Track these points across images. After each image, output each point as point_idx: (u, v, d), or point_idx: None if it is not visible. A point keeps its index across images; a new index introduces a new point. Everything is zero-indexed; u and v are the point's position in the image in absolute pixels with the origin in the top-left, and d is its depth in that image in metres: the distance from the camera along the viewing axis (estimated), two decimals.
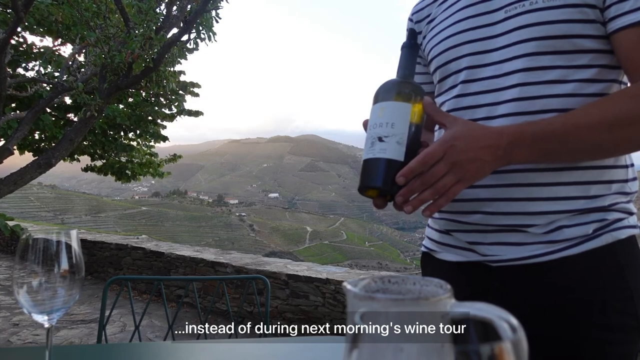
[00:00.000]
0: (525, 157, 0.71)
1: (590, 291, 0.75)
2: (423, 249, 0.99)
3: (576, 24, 0.74)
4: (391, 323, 0.33)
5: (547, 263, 0.77)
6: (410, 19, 1.01)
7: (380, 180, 0.70)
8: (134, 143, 8.01)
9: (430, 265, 0.94)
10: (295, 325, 4.07)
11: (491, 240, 0.81)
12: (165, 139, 8.14)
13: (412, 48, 0.78)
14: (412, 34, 0.79)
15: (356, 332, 0.30)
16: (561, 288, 0.76)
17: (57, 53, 5.35)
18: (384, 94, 0.74)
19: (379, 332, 0.32)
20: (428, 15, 0.96)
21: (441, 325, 0.38)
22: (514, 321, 0.26)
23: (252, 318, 4.31)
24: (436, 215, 0.92)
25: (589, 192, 0.76)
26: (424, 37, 0.95)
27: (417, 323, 0.36)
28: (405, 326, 0.33)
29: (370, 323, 0.32)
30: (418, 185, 0.69)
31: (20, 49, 5.37)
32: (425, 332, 0.33)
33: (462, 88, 0.84)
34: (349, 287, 0.45)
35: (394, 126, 0.71)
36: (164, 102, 7.61)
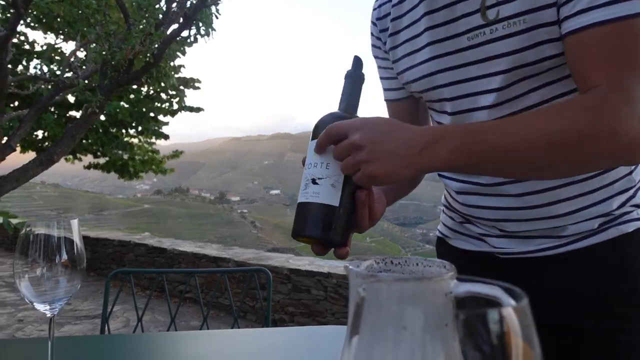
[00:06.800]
0: (454, 159, 0.60)
1: (595, 283, 0.75)
2: (438, 233, 1.01)
3: (546, 44, 0.67)
4: (394, 301, 0.33)
5: (554, 256, 0.78)
6: (374, 23, 0.92)
7: (311, 229, 0.64)
8: (135, 140, 8.01)
9: (445, 250, 0.96)
10: (297, 319, 4.08)
11: (500, 234, 0.83)
12: (166, 137, 8.16)
13: (357, 78, 0.70)
14: (358, 63, 0.71)
15: (358, 308, 0.30)
16: (567, 280, 0.77)
17: (58, 50, 5.35)
18: (320, 129, 0.66)
19: (381, 309, 0.31)
20: (387, 28, 0.88)
21: (444, 304, 0.38)
22: (519, 290, 0.26)
23: (254, 312, 4.32)
24: (452, 204, 0.93)
25: (593, 200, 0.76)
26: (389, 49, 0.88)
27: (420, 302, 0.35)
28: (408, 305, 0.33)
29: (372, 299, 0.31)
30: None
31: (22, 47, 5.37)
32: (428, 310, 0.33)
33: (453, 119, 0.80)
34: (351, 267, 0.45)
35: (329, 167, 0.64)
36: (165, 99, 7.61)
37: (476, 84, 0.74)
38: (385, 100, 0.97)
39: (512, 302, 0.31)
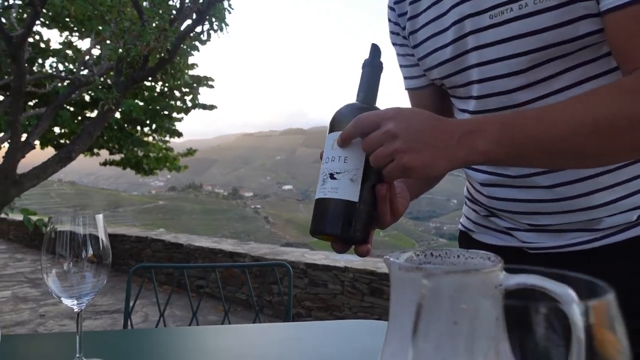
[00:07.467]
0: (494, 150, 0.58)
1: (633, 278, 0.72)
2: (460, 227, 0.97)
3: (583, 20, 0.62)
4: (443, 295, 0.31)
5: (588, 250, 0.75)
6: (391, 8, 0.88)
7: (331, 226, 0.62)
8: (150, 138, 8.10)
9: (468, 244, 0.92)
10: (314, 313, 4.08)
11: (529, 228, 0.80)
12: (179, 134, 8.24)
13: (375, 67, 0.67)
14: (375, 51, 0.68)
15: (419, 307, 0.28)
16: (602, 275, 0.73)
17: (74, 47, 5.41)
18: (339, 122, 0.64)
19: (431, 304, 0.30)
20: (406, 12, 0.84)
21: (494, 297, 0.36)
22: (601, 283, 0.24)
23: (271, 307, 4.34)
24: (476, 197, 0.89)
25: (632, 189, 0.72)
26: (409, 33, 0.84)
27: (471, 295, 0.33)
28: (458, 298, 0.31)
29: (429, 292, 0.29)
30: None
31: (38, 46, 5.44)
32: (479, 304, 0.31)
33: (478, 104, 0.76)
34: (392, 259, 0.43)
35: (347, 161, 0.62)
36: (178, 96, 7.67)
37: (502, 65, 0.70)
38: (406, 89, 0.94)
39: (570, 292, 0.29)
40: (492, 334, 0.28)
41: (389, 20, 0.90)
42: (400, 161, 0.57)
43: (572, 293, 0.29)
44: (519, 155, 0.59)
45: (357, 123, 0.60)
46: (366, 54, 0.69)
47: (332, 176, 0.62)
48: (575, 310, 0.23)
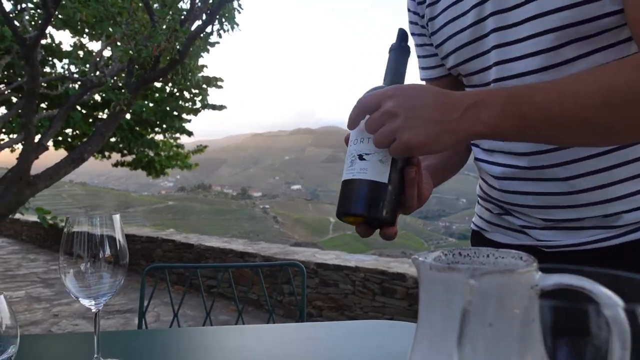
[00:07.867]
0: (499, 122, 0.56)
1: None
2: (473, 226, 0.95)
3: None
4: (479, 296, 0.30)
5: (605, 248, 0.73)
6: None
7: (360, 206, 0.61)
8: (160, 136, 8.15)
9: (481, 244, 0.90)
10: (325, 313, 4.08)
11: (544, 225, 0.78)
12: (190, 133, 8.29)
13: (402, 51, 0.68)
14: (403, 35, 0.68)
15: (466, 312, 0.27)
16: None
17: (85, 49, 5.46)
18: None
19: (465, 305, 0.28)
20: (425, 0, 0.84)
21: (530, 298, 0.35)
22: None
23: (282, 307, 4.34)
24: (490, 193, 0.88)
25: None
26: (428, 20, 0.84)
27: (507, 296, 0.32)
28: (494, 300, 0.30)
29: (474, 294, 0.28)
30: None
31: (51, 48, 5.50)
32: (516, 305, 0.30)
33: (494, 88, 0.74)
34: (420, 259, 0.42)
35: None
36: (188, 97, 7.71)
37: (523, 45, 0.69)
38: (422, 79, 0.94)
39: (609, 292, 0.28)
40: (528, 336, 0.26)
41: (409, 9, 0.90)
42: (401, 139, 0.56)
43: (611, 293, 0.28)
44: (526, 128, 0.57)
45: (358, 104, 0.60)
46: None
47: (361, 157, 0.62)
48: (619, 312, 0.21)
